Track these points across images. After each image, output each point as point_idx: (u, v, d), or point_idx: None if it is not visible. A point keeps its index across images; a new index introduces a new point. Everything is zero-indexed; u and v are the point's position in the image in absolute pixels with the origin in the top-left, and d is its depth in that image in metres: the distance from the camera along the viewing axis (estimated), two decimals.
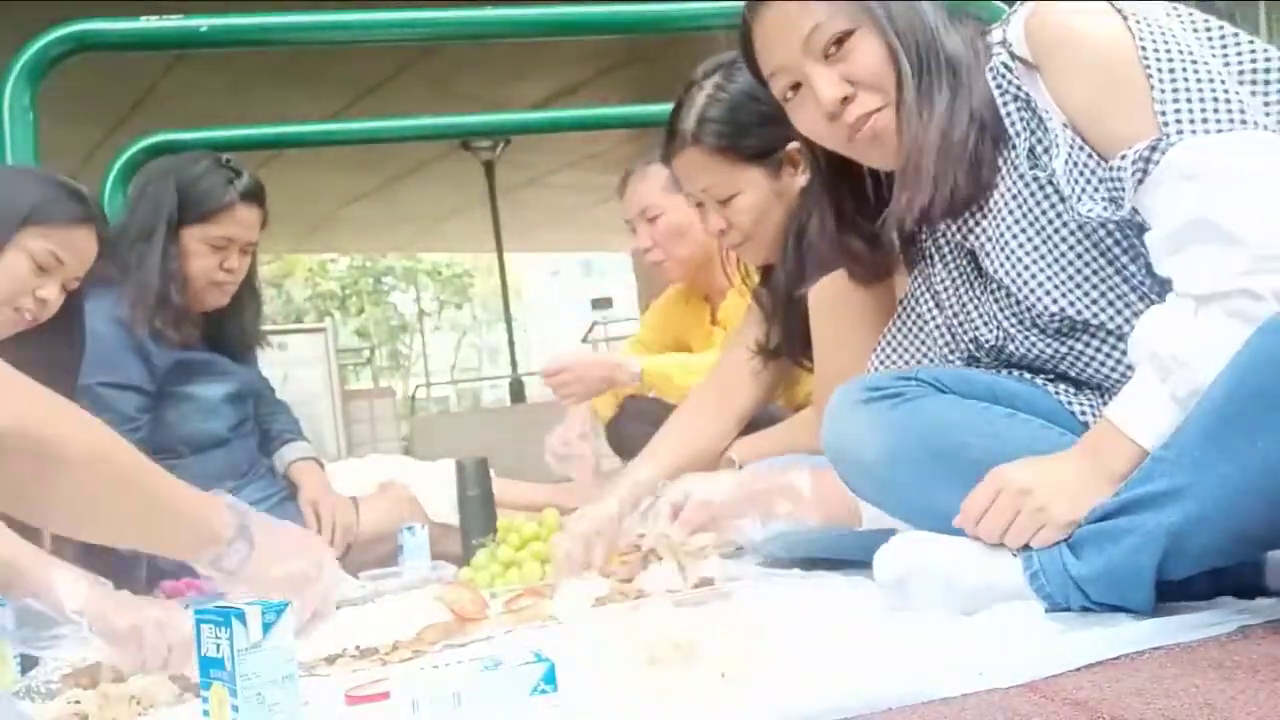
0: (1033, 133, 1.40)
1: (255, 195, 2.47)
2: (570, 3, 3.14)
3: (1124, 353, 1.34)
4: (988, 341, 1.49)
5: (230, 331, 2.58)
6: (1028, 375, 1.50)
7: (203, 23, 2.63)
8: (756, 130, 1.93)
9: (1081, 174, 1.34)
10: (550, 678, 1.17)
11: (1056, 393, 1.46)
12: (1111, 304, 1.38)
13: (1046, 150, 1.38)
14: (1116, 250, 1.36)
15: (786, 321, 2.05)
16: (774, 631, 1.27)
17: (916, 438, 1.43)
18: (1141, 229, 1.31)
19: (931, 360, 1.60)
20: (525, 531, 2.13)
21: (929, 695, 1.06)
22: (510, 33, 3.07)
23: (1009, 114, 1.41)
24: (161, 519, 1.34)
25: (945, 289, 1.55)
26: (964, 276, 1.52)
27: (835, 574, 1.75)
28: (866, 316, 1.76)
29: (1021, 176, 1.41)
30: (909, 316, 1.62)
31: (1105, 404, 1.41)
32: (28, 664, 1.52)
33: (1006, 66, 1.41)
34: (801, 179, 1.97)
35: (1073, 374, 1.45)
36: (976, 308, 1.50)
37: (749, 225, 2.00)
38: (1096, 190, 1.33)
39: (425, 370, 25.38)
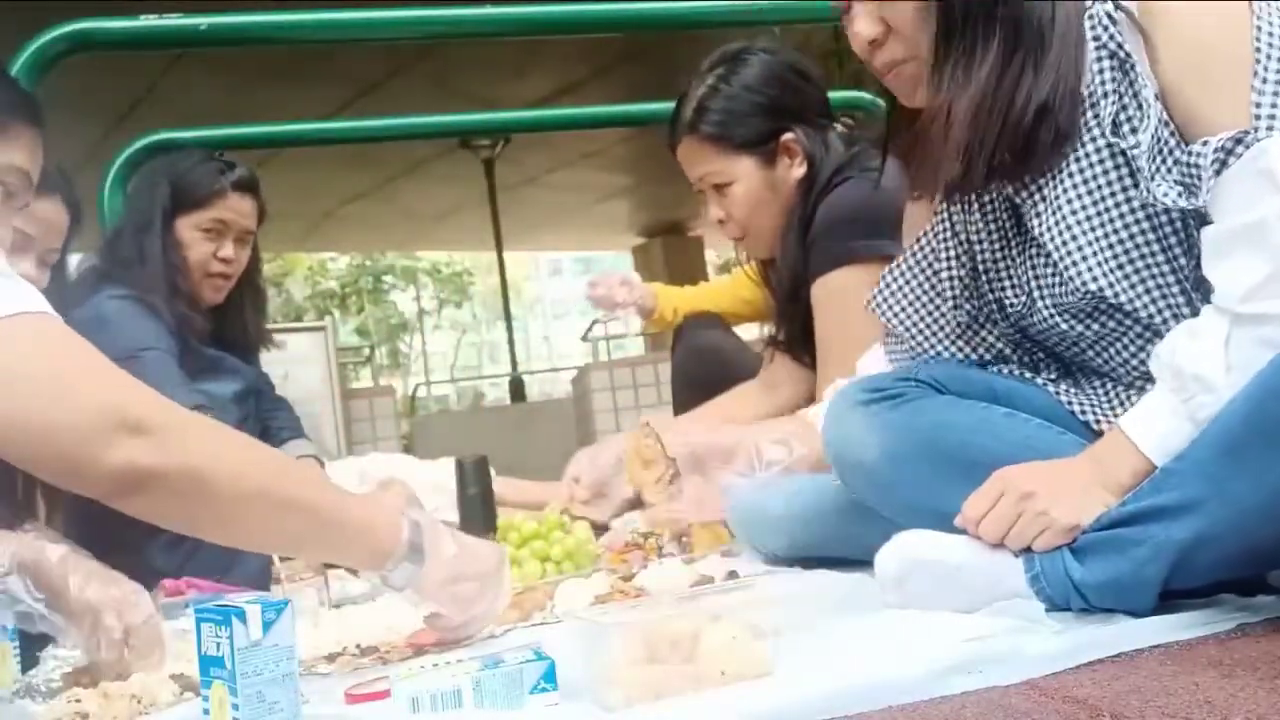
0: (1121, 95, 1.29)
1: (248, 185, 2.49)
2: (569, 1, 3.14)
3: (1146, 341, 1.31)
4: (1011, 306, 1.44)
5: (235, 330, 2.59)
6: (1028, 374, 1.50)
7: (202, 21, 2.63)
8: (749, 120, 1.97)
9: (1159, 152, 1.26)
10: (550, 676, 1.17)
11: (1057, 392, 1.46)
12: (1149, 292, 1.32)
13: (1130, 119, 1.28)
14: (1173, 239, 1.30)
15: (789, 316, 2.05)
16: (774, 629, 1.26)
17: (916, 438, 1.43)
18: (1203, 222, 1.25)
19: (939, 309, 1.53)
20: (525, 530, 2.13)
21: (929, 694, 1.06)
22: (509, 31, 3.07)
23: (1100, 70, 1.30)
24: (329, 537, 1.36)
25: (980, 240, 1.47)
26: (1001, 232, 1.45)
27: (835, 572, 1.75)
28: (872, 314, 1.76)
29: (1094, 140, 1.32)
30: (927, 257, 1.54)
31: (1108, 397, 1.40)
32: (28, 663, 1.52)
33: (1110, 18, 1.30)
34: (798, 170, 1.99)
35: (1085, 357, 1.41)
36: (1009, 269, 1.44)
37: (744, 215, 2.03)
38: (1169, 172, 1.25)
39: (425, 369, 25.37)
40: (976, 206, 1.47)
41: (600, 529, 2.26)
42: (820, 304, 1.92)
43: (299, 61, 6.33)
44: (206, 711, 1.13)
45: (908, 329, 1.57)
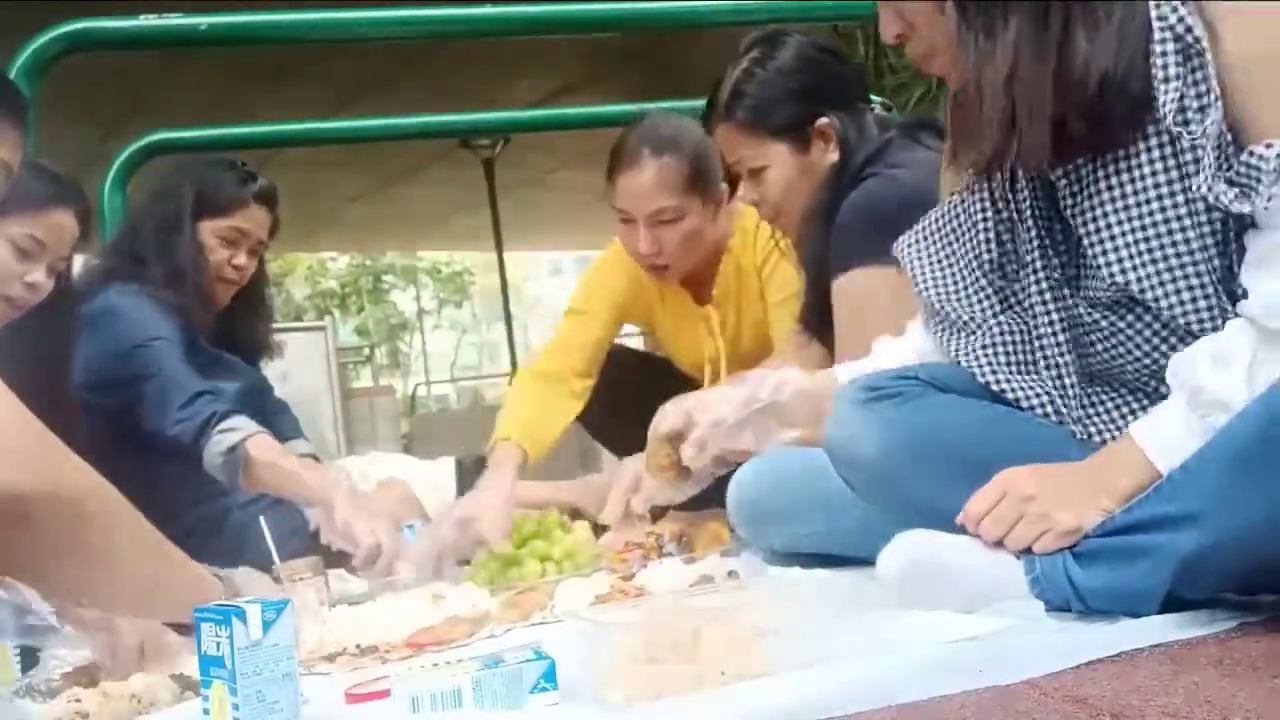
0: (1184, 82, 1.21)
1: (267, 197, 2.55)
2: (569, 1, 3.14)
3: (1161, 342, 1.28)
4: (1049, 277, 1.37)
5: (242, 335, 2.63)
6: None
7: (202, 21, 2.63)
8: (783, 106, 1.97)
9: (1219, 148, 1.20)
10: (550, 675, 1.17)
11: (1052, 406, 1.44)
12: (1179, 292, 1.26)
13: (1191, 107, 1.21)
14: (1210, 240, 1.24)
15: (813, 302, 2.05)
16: (774, 629, 1.26)
17: (916, 437, 1.43)
18: (1243, 225, 1.21)
19: (965, 269, 1.47)
20: (525, 529, 2.13)
21: (929, 693, 1.06)
22: (509, 30, 3.07)
23: (1164, 53, 1.23)
24: (174, 577, 1.27)
25: (1015, 215, 1.41)
26: (1043, 203, 1.38)
27: (835, 571, 1.75)
28: (890, 314, 1.75)
29: (1147, 125, 1.25)
30: (958, 212, 1.48)
31: (1110, 398, 1.39)
32: (28, 663, 1.52)
33: None
34: (832, 155, 1.99)
35: (1093, 351, 1.36)
36: (1039, 245, 1.38)
37: (776, 199, 2.04)
38: (1219, 173, 1.19)
39: (425, 368, 25.37)
40: (1024, 181, 1.39)
41: (601, 529, 2.25)
42: (837, 302, 1.93)
43: (299, 61, 6.32)
44: (206, 711, 1.13)
45: (930, 284, 1.51)
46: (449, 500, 2.59)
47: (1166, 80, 1.23)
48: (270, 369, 2.78)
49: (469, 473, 2.44)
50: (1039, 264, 1.39)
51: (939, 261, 1.52)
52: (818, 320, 2.04)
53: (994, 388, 1.44)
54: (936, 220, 1.54)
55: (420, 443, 6.94)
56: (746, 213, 2.43)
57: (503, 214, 9.44)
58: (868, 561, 1.41)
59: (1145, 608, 1.19)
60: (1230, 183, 1.19)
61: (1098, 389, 1.40)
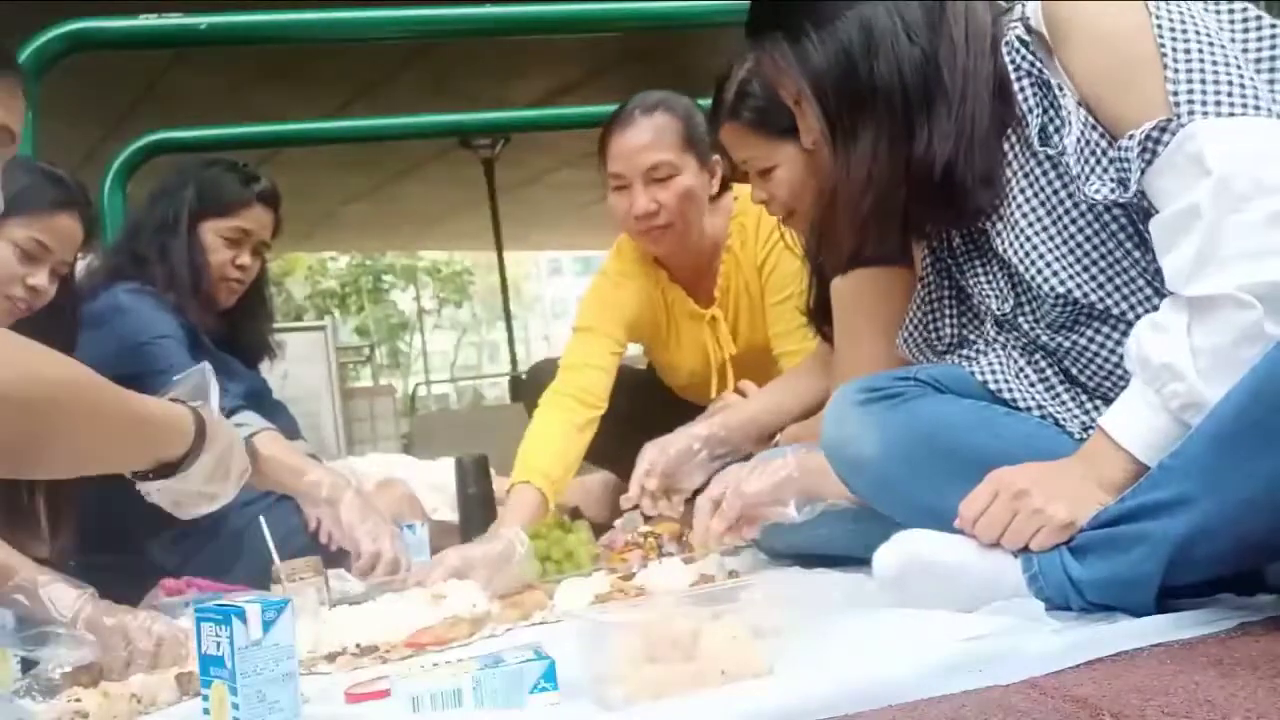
0: (1045, 110, 1.37)
1: (270, 198, 2.55)
2: (569, 1, 3.14)
3: (1124, 348, 1.33)
4: (1001, 312, 1.46)
5: (244, 336, 2.63)
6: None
7: (202, 21, 2.63)
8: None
9: (1092, 153, 1.32)
10: (550, 675, 1.17)
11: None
12: (1118, 289, 1.35)
13: (1058, 130, 1.36)
14: (1122, 235, 1.34)
15: (821, 301, 2.06)
16: (774, 629, 1.26)
17: (914, 437, 1.43)
18: (1148, 214, 1.29)
19: (948, 336, 1.57)
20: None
21: (929, 693, 1.06)
22: (509, 30, 3.07)
23: (1022, 89, 1.38)
24: (134, 435, 1.23)
25: (962, 260, 1.52)
26: (978, 250, 1.50)
27: (834, 571, 1.75)
28: (885, 313, 1.75)
29: (1034, 155, 1.38)
30: (925, 293, 1.60)
31: (1098, 407, 1.40)
32: (28, 663, 1.53)
33: (1022, 41, 1.38)
34: None
35: (1074, 370, 1.42)
36: (990, 282, 1.48)
37: (786, 198, 2.03)
38: (1105, 171, 1.31)
39: (425, 368, 25.42)
40: (956, 235, 1.51)
41: (602, 528, 2.25)
42: (838, 299, 1.93)
43: (299, 61, 6.32)
44: (207, 711, 1.14)
45: (920, 362, 1.60)
46: (449, 500, 2.59)
47: (1030, 111, 1.38)
48: (270, 369, 2.78)
49: (469, 472, 2.44)
50: (986, 305, 1.48)
51: (920, 341, 1.60)
52: (822, 317, 2.05)
53: (991, 387, 1.45)
54: (911, 304, 1.62)
55: (420, 443, 6.93)
56: (746, 211, 2.43)
57: (502, 213, 9.44)
58: (866, 561, 1.41)
59: (1142, 596, 1.20)
60: (1113, 178, 1.30)
61: (1096, 401, 1.42)
